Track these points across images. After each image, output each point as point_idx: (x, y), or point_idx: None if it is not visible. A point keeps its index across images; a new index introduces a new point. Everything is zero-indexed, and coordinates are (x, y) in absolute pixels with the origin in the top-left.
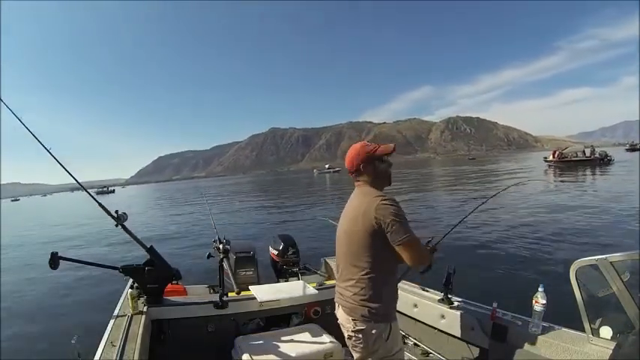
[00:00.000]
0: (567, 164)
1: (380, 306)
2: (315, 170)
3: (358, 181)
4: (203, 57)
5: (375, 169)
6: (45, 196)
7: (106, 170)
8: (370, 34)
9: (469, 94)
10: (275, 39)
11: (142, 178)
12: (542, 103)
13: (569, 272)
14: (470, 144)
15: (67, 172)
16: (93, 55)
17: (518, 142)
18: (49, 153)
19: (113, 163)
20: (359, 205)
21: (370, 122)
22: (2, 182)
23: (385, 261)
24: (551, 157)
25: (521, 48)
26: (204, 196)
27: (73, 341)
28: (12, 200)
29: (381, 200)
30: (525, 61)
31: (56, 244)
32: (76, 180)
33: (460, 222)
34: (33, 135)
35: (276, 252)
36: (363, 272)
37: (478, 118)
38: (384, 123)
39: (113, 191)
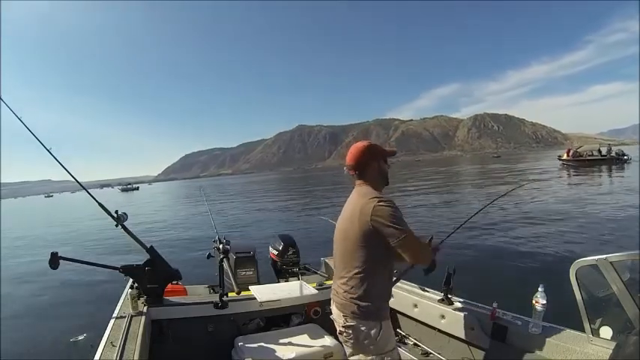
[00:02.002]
0: (582, 163)
1: (370, 304)
2: (345, 168)
3: (359, 180)
4: (229, 55)
5: (379, 167)
6: (74, 192)
7: (135, 168)
8: (396, 29)
9: (496, 90)
10: (301, 35)
11: (169, 175)
12: (572, 99)
13: (569, 272)
14: (497, 141)
15: (67, 171)
16: (126, 58)
17: (547, 140)
18: (50, 153)
19: (142, 160)
20: (356, 204)
21: (397, 119)
22: (34, 179)
23: (378, 261)
24: (565, 156)
25: (549, 43)
26: (204, 196)
27: (80, 337)
28: (45, 196)
29: (378, 202)
30: (553, 56)
31: (65, 241)
32: (76, 180)
33: (460, 226)
34: (33, 135)
35: (276, 252)
36: (355, 271)
37: (506, 115)
38: (411, 120)
39: (137, 188)
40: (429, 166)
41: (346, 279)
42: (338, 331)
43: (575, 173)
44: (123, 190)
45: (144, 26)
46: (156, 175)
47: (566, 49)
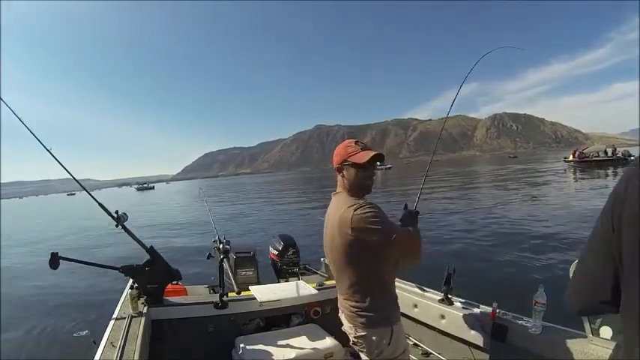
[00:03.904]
0: (587, 164)
1: (377, 313)
2: None
3: (338, 183)
4: (247, 54)
5: (350, 174)
6: (92, 191)
7: (154, 167)
8: (414, 30)
9: (515, 89)
10: (321, 35)
11: (187, 174)
12: (592, 98)
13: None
14: (516, 141)
15: (67, 171)
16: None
17: (567, 140)
18: (50, 153)
19: (162, 159)
20: (335, 215)
21: (416, 119)
22: (54, 178)
23: (373, 268)
24: (571, 157)
25: (568, 40)
26: (203, 196)
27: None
28: (68, 194)
29: (355, 210)
30: (573, 54)
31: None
32: (76, 180)
33: (424, 180)
34: (34, 135)
35: (276, 252)
36: (355, 284)
37: (525, 114)
38: (430, 120)
39: (153, 187)
40: (446, 167)
41: (348, 294)
42: (351, 342)
43: (580, 174)
44: (138, 189)
45: (165, 27)
46: (174, 174)
47: (586, 47)
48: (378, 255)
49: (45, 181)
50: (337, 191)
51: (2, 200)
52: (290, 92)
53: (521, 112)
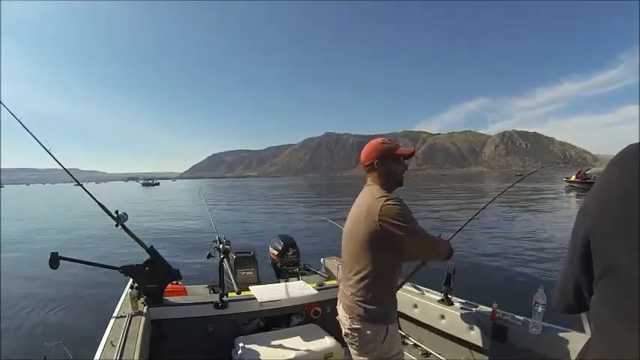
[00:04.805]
0: (588, 185)
1: (377, 308)
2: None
3: (369, 178)
4: (261, 59)
5: (388, 168)
6: (98, 183)
7: (163, 164)
8: (424, 42)
9: (525, 107)
10: (333, 45)
11: (195, 173)
12: (602, 119)
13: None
14: (525, 159)
15: (67, 171)
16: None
17: (576, 160)
18: (49, 153)
19: (171, 157)
20: (363, 205)
21: (425, 132)
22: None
23: (385, 263)
24: (573, 178)
25: (581, 60)
26: (202, 196)
27: (46, 344)
28: (75, 185)
29: (385, 201)
30: (585, 74)
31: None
32: (75, 179)
33: (467, 222)
34: (33, 136)
35: (276, 252)
36: (362, 273)
37: (535, 133)
38: (439, 134)
39: (158, 184)
40: (454, 182)
41: (353, 281)
42: (344, 333)
43: (580, 194)
44: (143, 185)
45: (174, 29)
46: (182, 172)
47: (599, 68)
48: (395, 250)
49: (54, 169)
50: (368, 183)
51: (9, 186)
52: (300, 98)
53: (531, 131)
